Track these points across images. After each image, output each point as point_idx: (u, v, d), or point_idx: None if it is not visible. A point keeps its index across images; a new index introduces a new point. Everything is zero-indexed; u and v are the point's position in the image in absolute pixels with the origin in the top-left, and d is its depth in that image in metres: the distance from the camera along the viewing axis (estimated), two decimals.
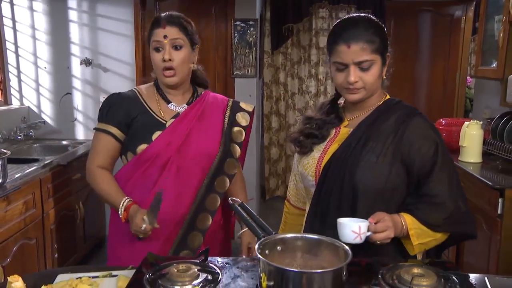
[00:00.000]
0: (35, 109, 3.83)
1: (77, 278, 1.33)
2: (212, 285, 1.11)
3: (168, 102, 1.73)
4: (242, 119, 1.82)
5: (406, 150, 1.39)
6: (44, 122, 3.79)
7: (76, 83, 3.80)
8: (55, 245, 3.04)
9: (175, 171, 1.66)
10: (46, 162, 2.96)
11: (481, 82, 4.01)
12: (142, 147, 1.66)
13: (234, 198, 1.20)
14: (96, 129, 1.73)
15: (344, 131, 1.51)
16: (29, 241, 2.73)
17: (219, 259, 1.27)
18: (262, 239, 1.03)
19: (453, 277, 1.11)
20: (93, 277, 1.34)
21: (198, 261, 1.22)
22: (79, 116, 3.84)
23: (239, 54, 3.70)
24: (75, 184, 3.29)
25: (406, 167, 1.39)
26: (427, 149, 1.39)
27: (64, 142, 3.73)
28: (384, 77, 1.46)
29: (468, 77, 5.05)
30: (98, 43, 3.73)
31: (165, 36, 1.63)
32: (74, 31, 3.73)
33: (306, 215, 1.53)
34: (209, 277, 1.14)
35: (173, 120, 1.69)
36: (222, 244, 1.86)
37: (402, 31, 5.02)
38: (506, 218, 2.47)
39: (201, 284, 1.10)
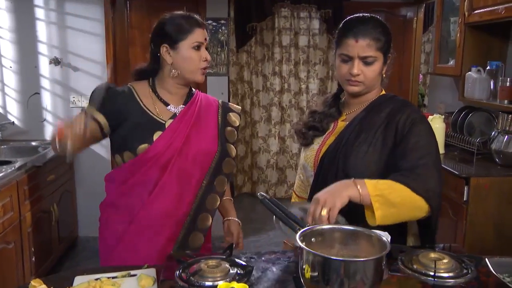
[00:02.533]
0: (1, 110, 3.63)
1: (96, 280, 1.30)
2: (245, 279, 1.12)
3: (166, 103, 1.67)
4: (234, 119, 1.79)
5: (393, 134, 1.43)
6: (13, 123, 3.60)
7: (45, 83, 3.64)
8: (32, 248, 2.92)
9: (176, 172, 1.62)
10: (21, 164, 2.83)
11: (435, 78, 4.22)
12: (143, 147, 1.60)
13: (263, 193, 1.21)
14: (83, 109, 1.63)
15: (341, 124, 1.57)
16: (7, 245, 2.61)
17: (242, 254, 1.29)
18: (302, 231, 1.06)
19: (466, 259, 1.19)
20: (112, 278, 1.31)
21: (224, 256, 1.22)
22: (48, 117, 3.69)
23: (211, 53, 3.66)
24: (49, 186, 3.17)
25: (394, 150, 1.42)
26: (404, 128, 1.41)
27: (34, 143, 3.56)
28: (384, 75, 1.52)
29: (420, 75, 5.29)
30: (67, 42, 3.59)
31: (205, 39, 1.65)
32: (42, 30, 3.58)
33: None
34: (239, 271, 1.16)
35: (171, 120, 1.65)
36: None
37: None
38: (471, 204, 2.62)
39: (236, 278, 1.11)
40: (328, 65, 5.06)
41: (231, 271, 1.15)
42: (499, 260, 1.31)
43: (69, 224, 3.63)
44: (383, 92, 1.58)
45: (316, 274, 0.98)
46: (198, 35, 1.62)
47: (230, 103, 1.84)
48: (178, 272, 1.16)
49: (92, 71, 3.64)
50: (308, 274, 1.00)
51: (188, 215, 1.64)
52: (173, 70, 1.63)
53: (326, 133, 1.59)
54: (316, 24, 5.05)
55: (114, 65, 3.65)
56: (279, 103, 5.17)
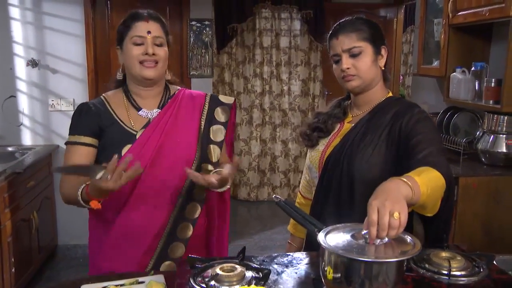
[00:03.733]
0: None
1: None
2: (262, 282, 1.13)
3: (139, 108, 1.59)
4: (222, 115, 1.66)
5: (397, 134, 1.45)
6: None
7: (21, 85, 3.55)
8: (12, 259, 2.84)
9: (150, 183, 1.53)
10: (0, 171, 2.75)
11: (417, 79, 4.32)
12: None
13: (277, 196, 1.22)
14: (67, 143, 1.57)
15: (347, 126, 1.60)
16: None
17: (258, 257, 1.29)
18: (321, 231, 1.07)
19: (476, 257, 1.23)
20: (120, 285, 1.30)
21: (238, 260, 1.23)
22: (25, 121, 3.59)
23: (195, 54, 3.67)
24: (29, 193, 3.09)
25: (398, 150, 1.44)
26: (408, 126, 1.43)
27: (10, 149, 3.47)
28: (383, 68, 1.54)
29: (401, 76, 5.41)
30: (45, 43, 3.51)
31: (148, 32, 1.53)
32: (17, 30, 3.49)
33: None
34: (254, 274, 1.16)
35: (143, 130, 1.55)
36: (209, 246, 1.76)
37: None
38: (460, 203, 2.70)
39: (253, 281, 1.12)
40: (310, 66, 5.11)
41: (246, 275, 1.15)
42: (505, 258, 1.36)
43: (48, 232, 3.54)
44: (390, 94, 1.61)
45: (338, 275, 1.00)
46: (138, 29, 1.53)
47: (221, 96, 1.72)
48: (193, 277, 1.15)
49: (72, 73, 3.57)
50: (330, 276, 1.01)
51: (167, 226, 1.57)
52: (120, 72, 1.59)
53: (332, 135, 1.61)
54: (297, 25, 5.10)
55: (95, 67, 3.59)
56: (260, 105, 5.19)
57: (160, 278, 1.31)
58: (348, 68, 1.50)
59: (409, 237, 1.07)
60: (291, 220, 1.82)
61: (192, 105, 1.65)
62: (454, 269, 1.17)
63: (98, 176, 1.30)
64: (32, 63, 3.48)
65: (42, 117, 3.60)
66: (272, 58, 5.11)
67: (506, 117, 2.74)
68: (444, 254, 1.23)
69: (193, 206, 1.61)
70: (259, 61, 5.09)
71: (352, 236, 1.07)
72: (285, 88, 5.17)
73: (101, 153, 1.55)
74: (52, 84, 3.57)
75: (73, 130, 1.57)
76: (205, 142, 1.62)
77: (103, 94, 1.65)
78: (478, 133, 3.08)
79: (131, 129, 1.55)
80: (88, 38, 3.53)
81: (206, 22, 3.73)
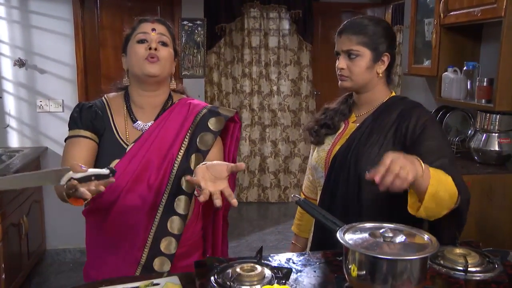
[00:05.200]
0: None
1: None
2: (284, 281, 1.15)
3: (135, 120, 1.55)
4: (215, 124, 1.55)
5: (403, 135, 1.49)
6: None
7: (8, 86, 3.49)
8: (3, 265, 2.79)
9: (130, 198, 1.49)
10: None
11: (406, 79, 4.40)
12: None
13: (296, 195, 1.24)
14: (67, 138, 1.53)
15: (351, 126, 1.63)
16: None
17: (273, 257, 1.31)
18: (342, 229, 1.10)
19: (490, 254, 1.27)
20: None
21: (256, 260, 1.25)
22: (12, 122, 3.54)
23: (187, 54, 3.66)
24: (18, 197, 3.05)
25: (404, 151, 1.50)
26: (415, 131, 1.47)
27: None
28: (380, 74, 1.57)
29: None
30: (33, 42, 3.47)
31: (153, 29, 1.52)
32: (3, 29, 3.43)
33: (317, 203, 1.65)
34: (275, 274, 1.18)
35: (133, 144, 1.52)
36: (205, 249, 1.71)
37: (329, 30, 5.30)
38: None
39: (274, 281, 1.14)
40: (299, 66, 5.16)
41: (267, 275, 1.17)
42: None
43: (37, 237, 3.50)
44: (393, 93, 1.65)
45: (363, 272, 1.03)
46: (143, 28, 1.53)
47: (222, 107, 1.62)
48: (213, 277, 1.17)
49: (60, 73, 3.53)
50: (355, 273, 1.04)
51: (147, 240, 1.52)
52: (126, 78, 1.57)
53: (337, 134, 1.64)
54: (286, 24, 5.14)
55: (84, 67, 3.55)
56: (249, 105, 5.21)
57: (176, 279, 1.32)
58: (342, 69, 1.56)
59: (426, 235, 1.10)
60: (295, 221, 1.85)
61: (185, 115, 1.58)
62: (470, 265, 1.21)
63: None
64: (19, 63, 3.43)
65: (30, 119, 3.55)
66: (261, 58, 5.14)
67: (498, 116, 2.82)
68: (458, 250, 1.27)
69: (173, 220, 1.52)
70: (248, 61, 5.11)
71: (371, 234, 1.10)
72: (274, 88, 5.21)
73: (97, 158, 1.53)
74: (40, 85, 3.52)
75: (73, 125, 1.53)
76: (191, 151, 1.53)
77: (105, 96, 1.62)
78: (470, 131, 3.16)
79: (123, 142, 1.53)
80: (77, 37, 3.49)
81: (198, 22, 3.74)
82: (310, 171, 1.78)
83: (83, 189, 1.15)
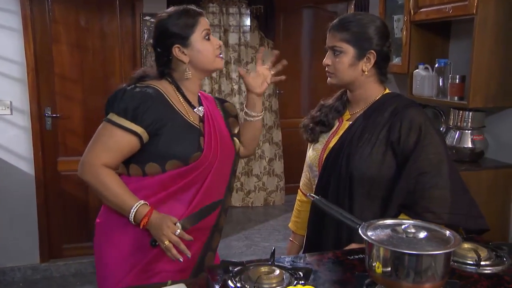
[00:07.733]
0: None
1: None
2: (303, 282, 1.17)
3: (192, 105, 1.72)
4: (232, 107, 1.90)
5: (395, 139, 1.55)
6: None
7: None
8: None
9: (214, 174, 1.67)
10: None
11: None
12: (197, 155, 1.61)
13: (312, 194, 1.26)
14: (113, 122, 1.56)
15: (345, 124, 1.69)
16: None
17: (285, 258, 1.33)
18: (363, 227, 1.13)
19: (497, 248, 1.34)
20: None
21: (270, 262, 1.26)
22: None
23: (149, 52, 3.59)
24: None
25: (396, 155, 1.56)
26: (409, 138, 1.53)
27: None
28: (366, 72, 1.61)
29: None
30: None
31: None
32: None
33: None
34: (293, 274, 1.20)
35: (201, 124, 1.70)
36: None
37: (290, 26, 5.41)
38: None
39: (294, 281, 1.16)
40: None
41: (285, 276, 1.19)
42: None
43: None
44: (387, 91, 1.70)
45: (388, 269, 1.06)
46: (203, 23, 1.68)
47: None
48: (230, 280, 1.17)
49: (8, 72, 3.36)
50: (379, 270, 1.07)
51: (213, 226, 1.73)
52: (188, 71, 1.66)
53: (331, 133, 1.69)
54: (246, 20, 5.16)
55: (35, 65, 3.40)
56: None
57: (182, 287, 1.31)
58: (328, 65, 1.63)
59: (447, 231, 1.15)
60: (292, 218, 1.91)
61: (213, 102, 1.84)
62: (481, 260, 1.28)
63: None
64: None
65: None
66: None
67: (471, 113, 2.97)
68: (467, 245, 1.34)
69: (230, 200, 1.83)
70: None
71: (393, 230, 1.14)
72: (236, 87, 5.21)
73: (175, 145, 1.60)
74: None
75: (125, 114, 1.56)
76: (232, 135, 1.80)
77: (153, 84, 1.64)
78: (441, 129, 3.31)
79: (193, 123, 1.67)
80: (26, 32, 3.34)
81: None
82: (307, 168, 1.82)
83: (176, 252, 1.50)
